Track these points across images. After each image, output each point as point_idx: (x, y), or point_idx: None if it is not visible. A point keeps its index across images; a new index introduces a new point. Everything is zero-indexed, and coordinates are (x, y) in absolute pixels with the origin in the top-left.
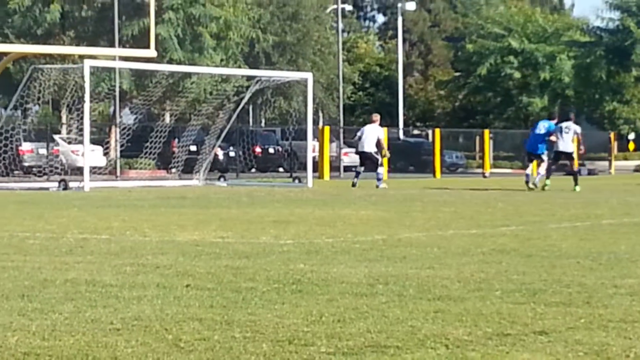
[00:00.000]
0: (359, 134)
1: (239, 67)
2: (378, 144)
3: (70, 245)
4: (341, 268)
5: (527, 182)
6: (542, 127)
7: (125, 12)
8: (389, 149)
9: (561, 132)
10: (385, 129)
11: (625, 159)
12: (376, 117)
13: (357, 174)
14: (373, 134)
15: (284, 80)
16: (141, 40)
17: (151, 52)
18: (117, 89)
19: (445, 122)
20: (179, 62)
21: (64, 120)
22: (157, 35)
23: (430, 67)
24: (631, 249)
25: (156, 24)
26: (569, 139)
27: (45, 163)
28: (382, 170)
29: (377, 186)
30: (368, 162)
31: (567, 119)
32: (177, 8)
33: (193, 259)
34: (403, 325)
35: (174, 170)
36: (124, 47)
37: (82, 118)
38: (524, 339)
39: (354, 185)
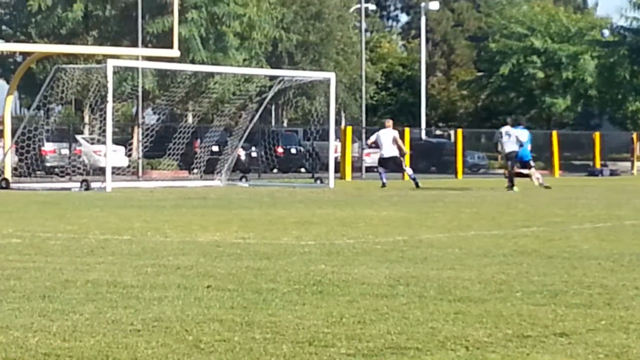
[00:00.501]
0: (373, 139)
1: (262, 67)
2: (397, 146)
3: (91, 246)
4: (362, 269)
5: (541, 184)
6: (523, 135)
7: (148, 11)
8: (411, 149)
9: (501, 136)
10: (407, 129)
11: None
12: (389, 122)
13: (381, 174)
14: (389, 138)
15: (306, 80)
16: (164, 40)
17: (174, 52)
18: (140, 89)
19: (467, 122)
20: (202, 62)
21: (86, 120)
22: (180, 35)
23: (452, 66)
24: None
25: (179, 23)
26: (512, 142)
27: (68, 163)
28: (410, 170)
29: (417, 184)
30: (391, 163)
31: (518, 124)
32: (200, 6)
33: (214, 260)
34: (423, 327)
35: (196, 170)
36: (147, 46)
37: (104, 118)
38: (545, 341)
39: (384, 185)
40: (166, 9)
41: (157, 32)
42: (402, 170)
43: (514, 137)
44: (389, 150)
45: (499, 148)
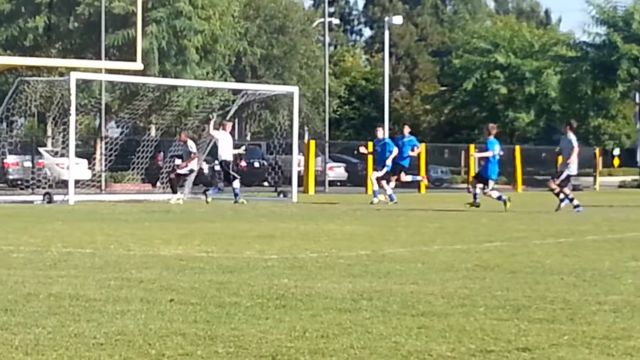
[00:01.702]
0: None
1: (225, 80)
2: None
3: (54, 259)
4: (325, 283)
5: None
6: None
7: (110, 24)
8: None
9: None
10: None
11: (610, 174)
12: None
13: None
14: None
15: (270, 93)
16: (126, 53)
17: (138, 65)
18: (103, 102)
19: (430, 136)
20: (164, 75)
21: (49, 133)
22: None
23: (416, 81)
24: (615, 266)
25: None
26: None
27: (30, 176)
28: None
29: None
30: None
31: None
32: (160, 20)
33: (177, 274)
34: (387, 341)
35: (159, 184)
36: (110, 59)
37: (67, 131)
38: (507, 356)
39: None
40: (127, 21)
41: (118, 44)
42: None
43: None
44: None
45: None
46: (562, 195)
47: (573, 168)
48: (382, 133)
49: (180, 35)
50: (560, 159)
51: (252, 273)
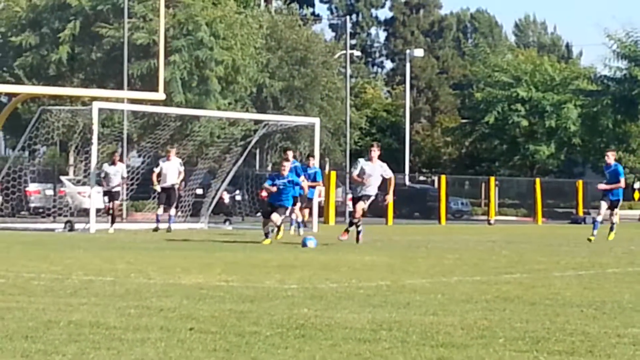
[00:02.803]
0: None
1: (247, 110)
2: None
3: (74, 286)
4: (345, 313)
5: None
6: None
7: (133, 54)
8: (394, 195)
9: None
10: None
11: (631, 208)
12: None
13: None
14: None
15: (291, 124)
16: (147, 82)
17: (160, 95)
18: (125, 132)
19: (451, 168)
20: (186, 105)
21: (71, 161)
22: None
23: (437, 113)
24: (635, 298)
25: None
26: None
27: (52, 204)
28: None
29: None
30: None
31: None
32: (181, 50)
33: (197, 302)
34: None
35: (180, 213)
36: (132, 89)
37: (89, 160)
38: None
39: None
40: (149, 51)
41: (140, 74)
42: None
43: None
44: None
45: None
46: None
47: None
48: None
49: (202, 65)
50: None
51: (272, 302)
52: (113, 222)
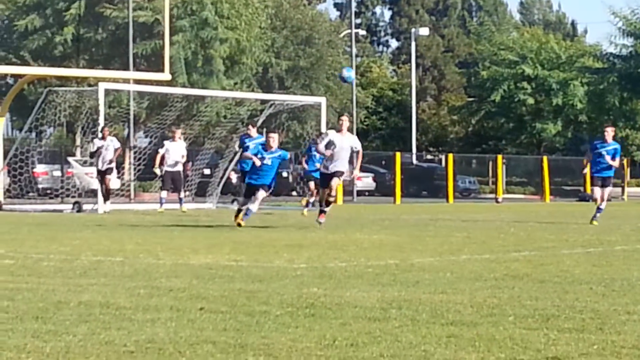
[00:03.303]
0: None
1: (252, 91)
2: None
3: (84, 267)
4: (354, 292)
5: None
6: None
7: (138, 34)
8: (402, 174)
9: None
10: (398, 153)
11: (638, 185)
12: None
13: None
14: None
15: (297, 104)
16: (152, 62)
17: (165, 76)
18: (132, 112)
19: (458, 147)
20: (191, 85)
21: (78, 142)
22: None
23: (443, 92)
24: None
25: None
26: None
27: (60, 185)
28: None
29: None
30: None
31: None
32: (185, 31)
33: (206, 282)
34: (416, 350)
35: (187, 193)
36: (138, 70)
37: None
38: None
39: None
40: (152, 31)
41: (144, 54)
42: None
43: None
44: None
45: None
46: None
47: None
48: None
49: (207, 45)
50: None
51: (282, 282)
52: (106, 199)
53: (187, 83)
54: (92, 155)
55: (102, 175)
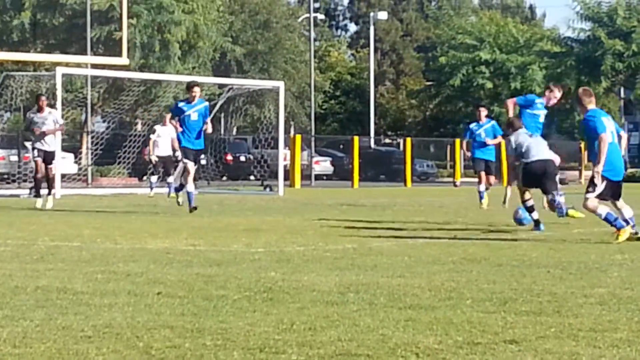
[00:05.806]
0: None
1: (209, 75)
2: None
3: (41, 252)
4: (312, 276)
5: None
6: None
7: (95, 18)
8: (360, 158)
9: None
10: (356, 137)
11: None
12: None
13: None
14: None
15: (255, 88)
16: (109, 47)
17: (123, 60)
18: (89, 97)
19: (416, 131)
20: (147, 70)
21: None
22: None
23: (401, 76)
24: (601, 259)
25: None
26: None
27: (16, 170)
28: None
29: None
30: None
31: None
32: (140, 15)
33: (164, 267)
34: (374, 334)
35: (145, 178)
36: (95, 54)
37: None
38: (494, 348)
39: None
40: (107, 15)
41: (101, 39)
42: None
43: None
44: None
45: None
46: None
47: None
48: None
49: (163, 29)
50: None
51: (239, 266)
52: (51, 189)
53: (142, 67)
54: (26, 128)
55: (44, 159)
